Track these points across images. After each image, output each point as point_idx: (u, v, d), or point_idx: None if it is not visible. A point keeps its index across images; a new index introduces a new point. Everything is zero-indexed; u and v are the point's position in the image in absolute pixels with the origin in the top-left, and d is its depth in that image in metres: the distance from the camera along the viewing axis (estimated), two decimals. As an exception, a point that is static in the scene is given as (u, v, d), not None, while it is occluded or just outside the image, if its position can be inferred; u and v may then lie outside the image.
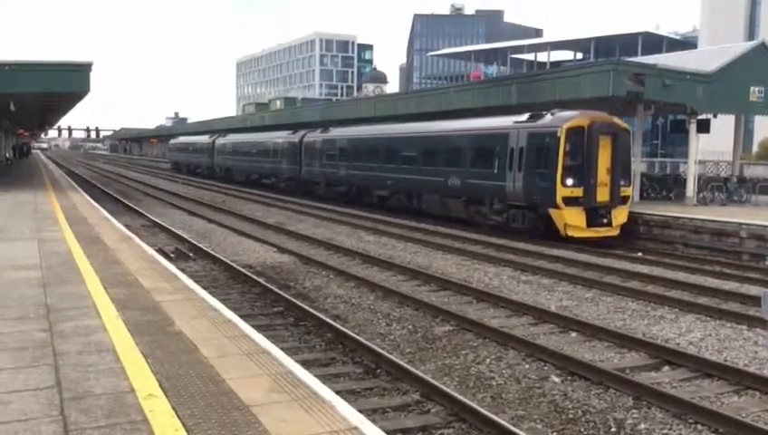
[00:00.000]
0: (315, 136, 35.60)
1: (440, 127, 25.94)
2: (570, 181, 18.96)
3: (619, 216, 19.65)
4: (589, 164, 19.08)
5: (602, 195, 19.23)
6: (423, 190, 25.34)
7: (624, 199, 19.89)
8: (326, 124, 37.87)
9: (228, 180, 49.31)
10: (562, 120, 19.43)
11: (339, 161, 32.14)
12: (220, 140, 54.34)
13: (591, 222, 19.09)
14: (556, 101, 23.72)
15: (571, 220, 18.90)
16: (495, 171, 21.11)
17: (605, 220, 19.36)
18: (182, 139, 73.08)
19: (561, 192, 18.90)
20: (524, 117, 20.66)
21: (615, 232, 19.45)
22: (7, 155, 59.92)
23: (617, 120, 20.54)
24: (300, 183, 37.03)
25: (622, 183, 19.72)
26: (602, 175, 19.26)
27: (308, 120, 44.03)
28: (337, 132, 34.07)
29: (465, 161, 22.83)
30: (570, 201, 18.92)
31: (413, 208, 25.93)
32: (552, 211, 19.21)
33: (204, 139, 59.56)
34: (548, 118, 19.92)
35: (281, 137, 40.95)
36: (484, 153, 21.91)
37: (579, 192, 18.99)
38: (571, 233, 18.91)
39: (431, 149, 24.95)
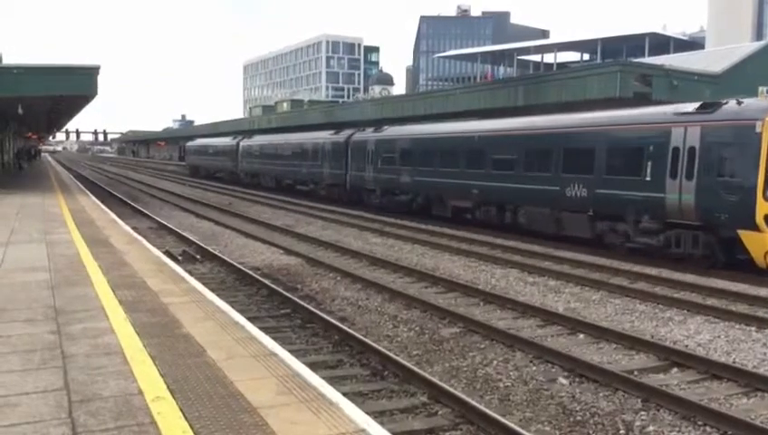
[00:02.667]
0: (366, 136, 30.80)
1: (553, 122, 20.43)
2: None
3: None
4: None
5: None
6: (524, 202, 20.47)
7: None
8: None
9: (255, 186, 44.81)
10: (761, 109, 14.66)
11: (401, 165, 27.15)
12: (246, 142, 49.78)
13: None
14: (563, 103, 23.72)
15: None
16: (648, 178, 16.27)
17: None
18: (201, 141, 67.45)
19: (761, 208, 14.05)
20: (691, 107, 16.13)
21: None
22: (22, 164, 59.22)
23: None
24: (345, 190, 32.46)
25: None
26: None
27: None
28: (396, 131, 29.09)
29: (597, 165, 17.76)
30: None
31: (505, 224, 21.38)
32: (744, 234, 14.29)
33: (226, 140, 55.17)
34: (732, 107, 15.23)
35: (321, 137, 36.11)
36: (630, 154, 17.01)
37: None
38: None
39: (540, 149, 19.95)
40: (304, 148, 37.95)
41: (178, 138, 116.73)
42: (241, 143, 50.25)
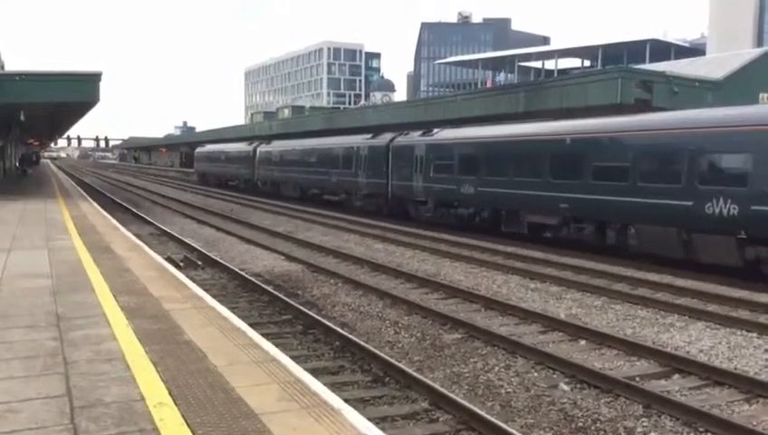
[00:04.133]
0: (413, 140, 27.33)
1: (684, 121, 16.53)
2: None
3: None
4: None
5: None
6: (637, 219, 16.93)
7: None
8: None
9: (274, 196, 41.15)
10: None
11: (461, 174, 23.69)
12: (264, 148, 46.10)
13: None
14: (564, 109, 23.76)
15: None
16: None
17: None
18: (212, 147, 62.62)
19: None
20: None
21: None
22: (26, 170, 59.78)
23: None
24: (387, 202, 28.98)
25: None
26: None
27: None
28: (453, 134, 25.32)
29: (756, 174, 14.16)
30: None
31: (605, 246, 18.03)
32: None
33: (241, 146, 51.54)
34: None
35: (355, 142, 32.65)
36: None
37: None
38: None
39: (665, 155, 16.53)
40: (334, 153, 34.17)
41: (180, 144, 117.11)
42: (258, 149, 46.76)
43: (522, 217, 20.79)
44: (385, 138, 29.44)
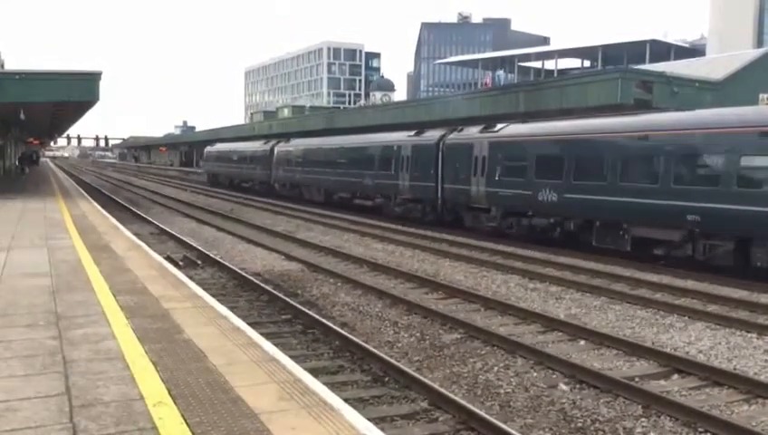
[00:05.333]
0: (471, 137, 23.44)
1: None
2: None
3: None
4: None
5: None
6: None
7: None
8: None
9: (294, 200, 37.47)
10: None
11: (540, 177, 19.86)
12: (283, 147, 41.77)
13: None
14: (564, 109, 23.75)
15: None
16: None
17: None
18: (224, 146, 57.96)
19: None
20: None
21: None
22: (24, 168, 60.21)
23: None
24: (436, 208, 25.11)
25: None
26: None
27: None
28: (527, 129, 21.61)
29: None
30: None
31: (756, 269, 14.55)
32: None
33: (256, 145, 47.51)
34: None
35: (395, 140, 28.66)
36: None
37: None
38: None
39: None
40: (369, 153, 30.30)
41: (180, 143, 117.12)
42: (276, 148, 42.56)
43: (624, 231, 17.25)
44: (433, 135, 25.75)
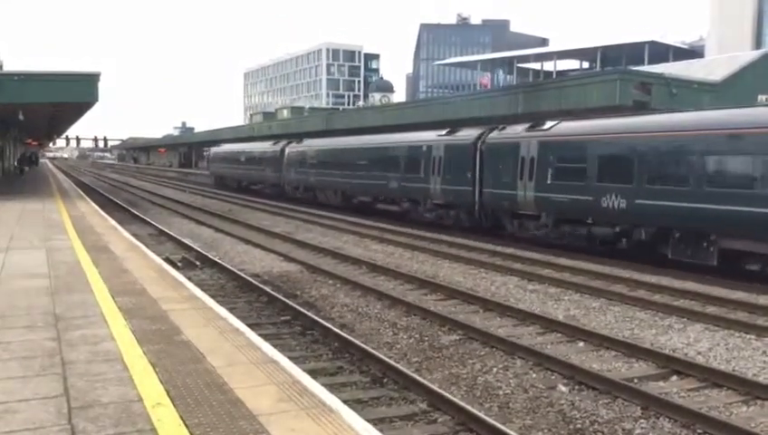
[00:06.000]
0: (516, 135, 21.29)
1: None
2: None
3: None
4: None
5: None
6: None
7: None
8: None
9: (307, 203, 35.59)
10: None
11: (603, 181, 17.82)
12: (295, 148, 39.79)
13: None
14: (563, 111, 23.76)
15: None
16: None
17: None
18: (230, 147, 55.92)
19: None
20: None
21: None
22: (23, 169, 60.47)
23: None
24: (475, 214, 23.05)
25: None
26: None
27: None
28: (583, 127, 19.65)
29: None
30: None
31: None
32: None
33: (266, 146, 45.39)
34: None
35: (424, 139, 26.23)
36: None
37: None
38: None
39: None
40: (394, 153, 28.00)
41: (178, 144, 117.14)
42: (287, 149, 40.52)
43: (711, 243, 15.20)
44: (469, 134, 23.62)
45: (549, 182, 19.47)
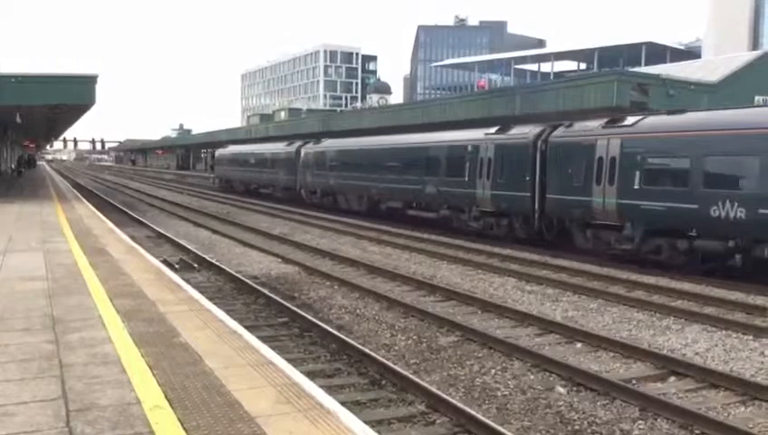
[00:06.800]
0: (591, 132, 18.54)
1: None
2: None
3: None
4: None
5: None
6: None
7: None
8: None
9: (326, 209, 33.04)
10: None
11: (711, 186, 15.10)
12: (312, 148, 36.90)
13: None
14: (560, 112, 23.78)
15: None
16: None
17: None
18: (238, 148, 53.32)
19: None
20: None
21: None
22: (12, 166, 60.89)
23: None
24: (533, 223, 20.23)
25: None
26: None
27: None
28: (681, 121, 16.80)
29: None
30: None
31: None
32: None
33: (278, 147, 42.57)
34: None
35: (472, 139, 23.18)
36: None
37: None
38: None
39: None
40: (431, 154, 25.26)
41: (176, 146, 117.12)
42: (303, 150, 37.76)
43: None
44: (526, 132, 20.83)
45: (637, 187, 16.65)
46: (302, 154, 37.54)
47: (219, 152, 56.77)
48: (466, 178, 22.58)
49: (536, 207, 19.83)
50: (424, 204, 25.83)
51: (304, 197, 36.97)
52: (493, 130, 22.22)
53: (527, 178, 19.98)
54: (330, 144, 35.58)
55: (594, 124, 18.65)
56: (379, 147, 29.91)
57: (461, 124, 27.87)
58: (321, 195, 34.88)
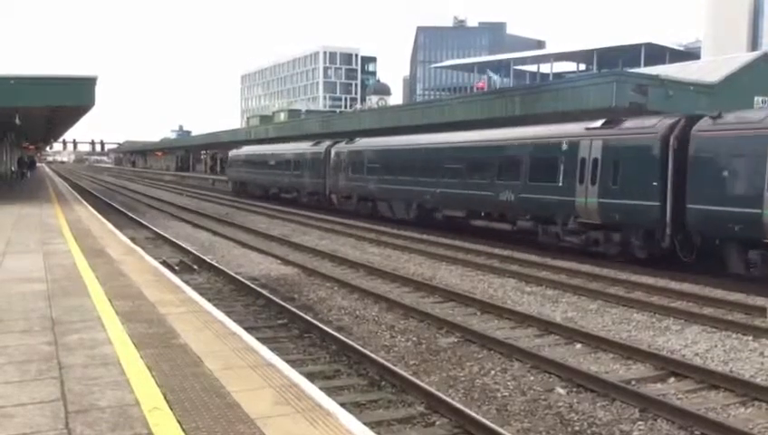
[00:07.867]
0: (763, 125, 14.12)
1: None
2: None
3: None
4: None
5: None
6: None
7: None
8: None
9: (363, 216, 29.31)
10: None
11: None
12: (344, 148, 32.82)
13: None
14: (560, 112, 23.78)
15: None
16: None
17: None
18: (254, 148, 49.19)
19: None
20: None
21: None
22: (13, 168, 60.90)
23: None
24: (662, 239, 16.14)
25: None
26: None
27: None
28: None
29: None
30: None
31: None
32: None
33: (303, 147, 38.41)
34: None
35: (567, 134, 19.03)
36: None
37: None
38: None
39: None
40: (509, 154, 21.13)
41: (176, 148, 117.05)
42: (333, 150, 33.61)
43: None
44: (651, 126, 16.82)
45: None
46: (333, 154, 33.46)
47: (233, 153, 52.45)
48: (561, 183, 18.70)
49: (668, 219, 15.95)
50: (496, 213, 21.77)
51: (335, 202, 33.28)
52: (597, 123, 18.33)
53: (654, 184, 16.11)
54: (368, 142, 31.49)
55: (758, 116, 14.89)
56: (435, 145, 25.50)
57: (461, 125, 27.80)
58: (357, 201, 30.88)
